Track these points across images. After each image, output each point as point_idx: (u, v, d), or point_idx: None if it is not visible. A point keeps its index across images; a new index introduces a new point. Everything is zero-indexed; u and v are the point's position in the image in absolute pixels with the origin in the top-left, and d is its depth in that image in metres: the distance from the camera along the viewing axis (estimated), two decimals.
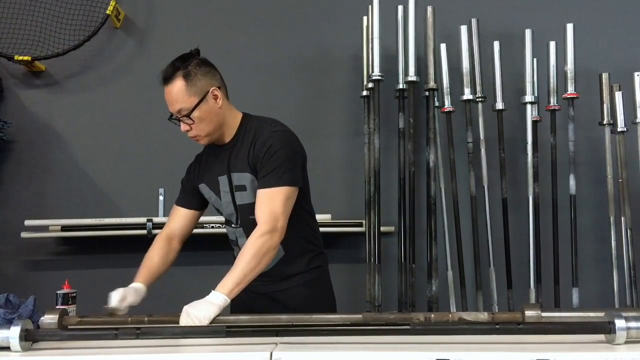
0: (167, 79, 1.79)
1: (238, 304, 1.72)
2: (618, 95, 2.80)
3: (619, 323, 1.36)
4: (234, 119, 1.89)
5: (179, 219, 1.99)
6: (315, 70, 3.12)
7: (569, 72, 2.83)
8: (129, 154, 3.09)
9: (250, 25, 3.15)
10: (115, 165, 3.09)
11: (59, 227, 2.92)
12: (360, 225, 2.90)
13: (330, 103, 3.10)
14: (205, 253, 2.83)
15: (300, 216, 1.86)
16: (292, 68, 3.12)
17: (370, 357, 1.34)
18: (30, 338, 1.42)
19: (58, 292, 1.98)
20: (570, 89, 2.83)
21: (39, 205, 3.06)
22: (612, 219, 2.81)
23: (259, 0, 3.17)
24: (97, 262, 3.00)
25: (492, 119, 2.90)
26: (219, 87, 1.84)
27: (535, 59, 2.88)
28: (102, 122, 3.12)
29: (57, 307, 1.93)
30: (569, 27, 2.83)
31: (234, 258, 1.99)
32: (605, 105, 2.84)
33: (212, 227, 2.78)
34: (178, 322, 1.58)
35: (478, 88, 2.90)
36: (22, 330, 1.40)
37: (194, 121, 1.80)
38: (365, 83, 2.91)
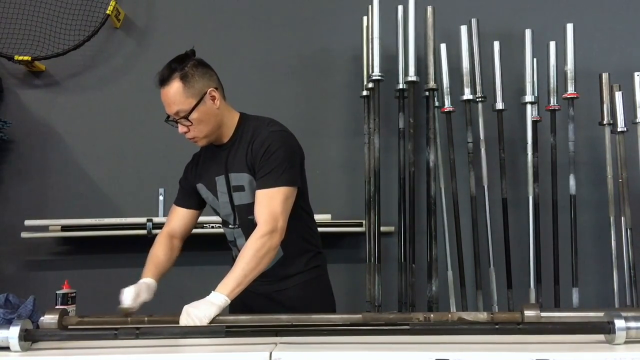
0: (164, 80, 1.77)
1: (237, 304, 1.72)
2: (618, 95, 2.80)
3: (619, 323, 1.36)
4: (232, 119, 1.88)
5: (179, 218, 2.00)
6: (315, 70, 3.12)
7: (569, 72, 2.83)
8: (129, 154, 3.09)
9: (250, 25, 3.15)
10: (115, 165, 3.09)
11: (59, 227, 2.92)
12: (360, 225, 2.90)
13: (330, 103, 3.10)
14: (205, 253, 2.83)
15: (298, 216, 1.85)
16: (292, 68, 3.12)
17: (370, 357, 1.34)
18: (29, 338, 1.42)
19: (58, 292, 1.98)
20: (570, 89, 2.83)
21: (39, 205, 3.06)
22: (612, 219, 2.81)
23: (259, 0, 3.17)
24: (97, 262, 3.00)
25: (492, 119, 2.90)
26: (216, 88, 1.83)
27: (535, 59, 2.88)
28: (102, 122, 3.12)
29: (57, 307, 1.93)
30: (569, 27, 2.83)
31: (233, 258, 1.99)
32: (605, 105, 2.84)
33: (212, 227, 2.78)
34: (178, 322, 1.58)
35: (478, 88, 2.90)
36: (21, 330, 1.40)
37: (192, 123, 1.79)
38: (365, 83, 2.91)
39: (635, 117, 2.78)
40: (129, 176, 3.09)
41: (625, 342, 1.36)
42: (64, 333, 1.52)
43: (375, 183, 2.81)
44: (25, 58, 2.99)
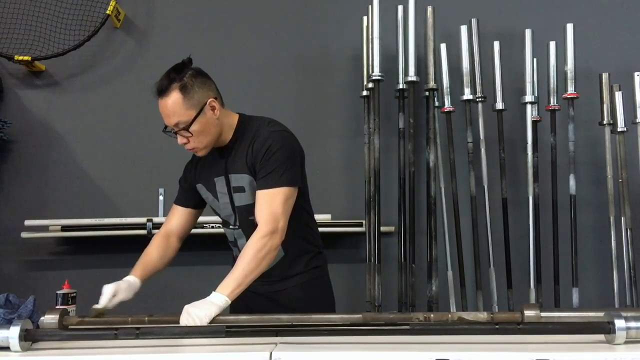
0: (163, 91, 1.74)
1: (237, 304, 1.72)
2: (618, 95, 2.80)
3: (619, 323, 1.36)
4: (231, 122, 1.86)
5: (178, 217, 1.99)
6: (315, 70, 3.12)
7: (569, 72, 2.83)
8: (129, 154, 3.09)
9: (250, 25, 3.15)
10: (115, 165, 3.09)
11: (59, 227, 2.92)
12: (360, 225, 2.90)
13: (330, 103, 3.10)
14: (205, 253, 2.83)
15: (299, 216, 1.85)
16: (292, 68, 3.12)
17: (370, 357, 1.34)
18: (29, 338, 1.42)
19: (58, 292, 1.98)
20: (570, 89, 2.83)
21: (39, 205, 3.06)
22: (612, 219, 2.81)
23: (259, 0, 3.17)
24: (97, 262, 3.00)
25: (492, 119, 2.90)
26: (215, 98, 1.80)
27: (535, 59, 2.88)
28: (102, 122, 3.12)
29: (57, 307, 1.93)
30: (569, 27, 2.83)
31: (234, 258, 1.99)
32: (605, 105, 2.84)
33: (212, 227, 2.78)
34: (178, 322, 1.58)
35: (478, 88, 2.90)
36: (21, 330, 1.40)
37: (192, 134, 1.77)
38: (365, 83, 2.91)
39: (635, 117, 2.78)
40: (129, 176, 3.08)
41: (625, 342, 1.36)
42: (64, 333, 1.52)
43: (375, 183, 2.81)
44: (25, 58, 2.99)
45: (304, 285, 1.91)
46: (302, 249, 1.92)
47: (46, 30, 3.06)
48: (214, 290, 1.65)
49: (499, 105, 2.88)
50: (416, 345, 1.39)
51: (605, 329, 1.38)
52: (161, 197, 3.02)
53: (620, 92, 2.80)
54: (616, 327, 1.36)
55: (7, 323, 1.47)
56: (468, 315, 1.56)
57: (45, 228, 2.93)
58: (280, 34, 3.14)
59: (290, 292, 1.90)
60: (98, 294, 1.77)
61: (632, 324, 1.36)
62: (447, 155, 2.89)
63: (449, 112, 2.88)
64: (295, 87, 3.11)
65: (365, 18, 2.91)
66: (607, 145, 2.83)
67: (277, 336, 1.45)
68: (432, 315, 1.58)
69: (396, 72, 2.88)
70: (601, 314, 1.46)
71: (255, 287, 1.78)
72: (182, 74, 1.75)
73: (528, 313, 1.53)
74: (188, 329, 1.53)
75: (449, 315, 1.58)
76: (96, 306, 1.72)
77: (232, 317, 1.62)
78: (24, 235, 2.93)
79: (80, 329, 1.58)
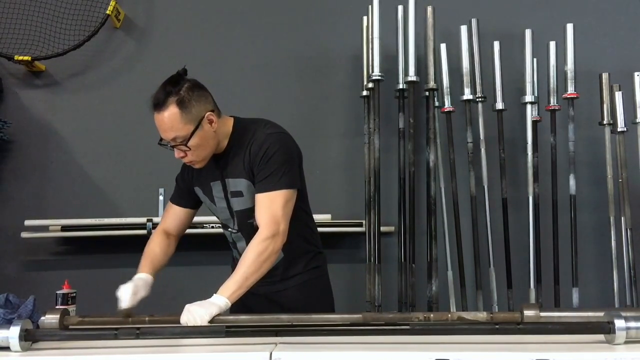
0: (159, 105, 1.70)
1: (237, 305, 1.71)
2: (618, 95, 2.80)
3: (619, 323, 1.36)
4: (227, 129, 1.84)
5: (174, 217, 1.99)
6: (315, 70, 3.12)
7: (569, 72, 2.83)
8: (129, 154, 3.09)
9: (250, 25, 3.15)
10: (115, 165, 3.09)
11: (59, 227, 2.92)
12: (360, 225, 2.90)
13: (330, 103, 3.10)
14: (205, 253, 2.83)
15: (298, 217, 1.84)
16: (292, 68, 3.12)
17: (370, 357, 1.34)
18: (29, 338, 1.42)
19: (58, 292, 1.98)
20: (570, 89, 2.83)
21: (39, 205, 3.06)
22: (612, 219, 2.81)
23: (259, 0, 3.17)
24: (97, 262, 3.00)
25: (492, 119, 2.90)
26: (212, 111, 1.77)
27: (535, 59, 2.88)
28: (102, 122, 3.12)
29: (57, 307, 1.93)
30: (569, 27, 2.83)
31: (233, 259, 1.99)
32: (605, 105, 2.84)
33: (212, 227, 2.78)
34: (178, 323, 1.58)
35: (478, 88, 2.90)
36: (21, 330, 1.40)
37: (189, 148, 1.75)
38: (365, 83, 2.91)
39: (635, 117, 2.78)
40: (128, 176, 3.08)
41: (625, 342, 1.36)
42: (64, 333, 1.53)
43: (375, 183, 2.81)
44: (25, 58, 2.99)
45: (303, 286, 1.91)
46: (302, 249, 1.92)
47: (46, 30, 3.06)
48: (215, 293, 1.65)
49: (499, 105, 2.88)
50: (416, 345, 1.39)
51: (605, 329, 1.38)
52: (161, 197, 3.02)
53: (620, 92, 2.80)
54: (616, 327, 1.36)
55: (7, 323, 1.47)
56: (468, 315, 1.56)
57: (45, 228, 2.93)
58: (280, 33, 3.14)
59: (290, 293, 1.90)
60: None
61: (632, 324, 1.36)
62: (447, 155, 2.89)
63: (449, 112, 2.88)
64: (295, 87, 3.11)
65: (365, 18, 2.91)
66: (607, 145, 2.83)
67: (277, 336, 1.45)
68: (431, 315, 1.58)
69: (396, 72, 2.88)
70: (601, 314, 1.46)
71: (255, 288, 1.78)
72: (178, 86, 1.72)
73: (527, 313, 1.53)
74: (188, 329, 1.53)
75: (449, 315, 1.58)
76: (121, 307, 1.70)
77: (232, 317, 1.62)
78: (24, 235, 2.93)
79: (80, 329, 1.58)
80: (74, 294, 1.99)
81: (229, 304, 1.64)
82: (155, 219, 2.87)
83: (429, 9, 2.85)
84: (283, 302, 1.89)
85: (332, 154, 3.07)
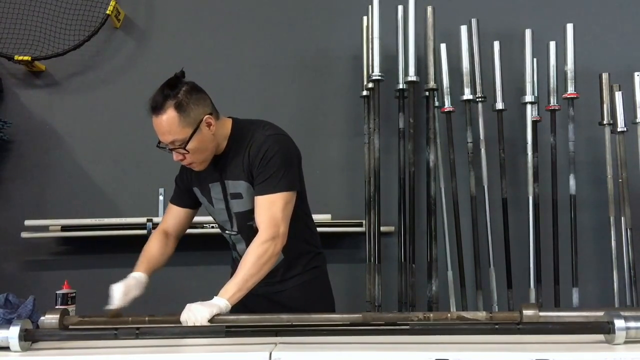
0: (157, 108, 1.70)
1: (236, 305, 1.72)
2: (618, 95, 2.80)
3: (618, 323, 1.36)
4: (225, 132, 1.83)
5: (174, 217, 1.99)
6: (315, 70, 3.12)
7: (569, 72, 2.83)
8: (128, 154, 3.09)
9: (250, 26, 3.15)
10: (115, 165, 3.09)
11: (59, 227, 2.92)
12: (360, 225, 2.90)
13: (330, 103, 3.10)
14: (205, 253, 2.83)
15: (297, 218, 1.84)
16: (292, 68, 3.12)
17: (370, 357, 1.34)
18: (29, 338, 1.42)
19: (58, 292, 1.98)
20: (570, 89, 2.83)
21: (39, 205, 3.06)
22: (612, 219, 2.81)
23: (259, 0, 3.17)
24: (97, 262, 3.00)
25: (492, 119, 2.90)
26: (210, 114, 1.76)
27: (535, 59, 2.88)
28: (102, 122, 3.12)
29: (57, 307, 1.93)
30: (569, 27, 2.83)
31: (233, 260, 1.99)
32: (605, 105, 2.84)
33: (212, 227, 2.77)
34: (178, 322, 1.58)
35: (478, 88, 2.90)
36: (21, 330, 1.40)
37: (188, 152, 1.74)
38: (365, 83, 2.91)
39: (635, 117, 2.78)
40: (128, 176, 3.08)
41: (625, 342, 1.36)
42: (64, 333, 1.53)
43: (375, 183, 2.81)
44: (25, 58, 2.99)
45: (303, 286, 1.91)
46: (301, 250, 1.92)
47: (46, 30, 3.06)
48: (216, 295, 1.65)
49: (499, 105, 2.88)
50: (416, 345, 1.39)
51: (605, 329, 1.38)
52: (161, 197, 3.02)
53: (620, 92, 2.80)
54: (616, 327, 1.36)
55: (7, 323, 1.47)
56: (467, 314, 1.57)
57: (45, 228, 2.93)
58: (281, 33, 3.14)
59: (290, 293, 1.90)
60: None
61: (632, 324, 1.36)
62: (447, 155, 2.89)
63: (449, 112, 2.88)
64: (295, 87, 3.11)
65: (365, 18, 2.91)
66: (607, 145, 2.83)
67: (277, 336, 1.45)
68: (431, 315, 1.58)
69: (396, 72, 2.88)
70: (601, 314, 1.46)
71: (255, 288, 1.77)
72: (176, 90, 1.71)
73: (527, 312, 1.53)
74: (188, 329, 1.53)
75: (449, 315, 1.58)
76: (110, 307, 1.70)
77: (232, 317, 1.62)
78: (24, 235, 2.93)
79: (80, 329, 1.58)
80: (74, 294, 1.99)
81: (230, 306, 1.64)
82: (155, 219, 2.87)
83: (429, 9, 2.85)
84: (283, 302, 1.89)
85: (332, 154, 3.07)
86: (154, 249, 1.91)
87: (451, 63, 2.91)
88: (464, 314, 1.57)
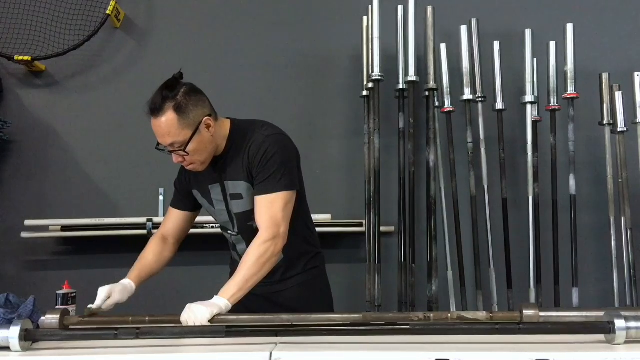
0: (156, 110, 1.70)
1: (236, 305, 1.72)
2: (618, 95, 2.80)
3: (619, 323, 1.36)
4: (224, 132, 1.83)
5: (174, 220, 1.99)
6: (315, 70, 3.12)
7: (569, 72, 2.83)
8: (129, 154, 3.09)
9: (250, 25, 3.15)
10: (115, 165, 3.09)
11: (59, 227, 2.92)
12: (360, 225, 2.90)
13: (330, 103, 3.10)
14: (205, 253, 2.83)
15: (297, 217, 1.84)
16: (292, 68, 3.12)
17: (370, 357, 1.34)
18: (29, 338, 1.42)
19: (58, 292, 1.98)
20: (570, 89, 2.83)
21: (39, 205, 3.06)
22: (612, 219, 2.81)
23: (259, 0, 3.17)
24: (97, 262, 3.00)
25: (492, 119, 2.90)
26: (209, 115, 1.76)
27: (535, 59, 2.88)
28: (102, 122, 3.11)
29: (57, 307, 1.93)
30: (569, 27, 2.83)
31: (232, 260, 1.99)
32: (605, 105, 2.84)
33: (212, 227, 2.78)
34: (178, 322, 1.58)
35: (478, 88, 2.90)
36: (21, 330, 1.40)
37: (188, 154, 1.74)
38: (365, 83, 2.91)
39: (635, 117, 2.78)
40: (128, 176, 3.08)
41: (625, 342, 1.36)
42: (64, 333, 1.53)
43: (375, 183, 2.81)
44: (25, 58, 2.98)
45: (302, 286, 1.92)
46: (301, 250, 1.92)
47: (46, 30, 3.05)
48: (216, 295, 1.65)
49: (499, 105, 2.88)
50: (416, 345, 1.39)
51: (605, 328, 1.38)
52: (161, 197, 3.02)
53: (620, 92, 2.80)
54: (616, 327, 1.36)
55: (7, 323, 1.47)
56: (468, 314, 1.57)
57: (45, 228, 2.93)
58: (280, 33, 3.14)
59: (289, 293, 1.91)
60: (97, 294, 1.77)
61: (632, 323, 1.36)
62: (447, 155, 2.89)
63: (449, 112, 2.88)
64: (295, 87, 3.11)
65: (365, 18, 2.91)
66: (607, 145, 2.83)
67: (277, 336, 1.45)
68: (431, 315, 1.58)
69: (396, 72, 2.88)
70: (601, 314, 1.46)
71: (254, 289, 1.78)
72: (175, 91, 1.71)
73: (527, 312, 1.53)
74: (188, 329, 1.53)
75: (449, 314, 1.58)
76: (91, 306, 1.73)
77: (232, 317, 1.62)
78: (24, 235, 2.92)
79: (81, 329, 1.58)
80: (74, 294, 1.99)
81: (230, 306, 1.64)
82: (155, 219, 2.87)
83: (429, 9, 2.85)
84: (282, 302, 1.89)
85: (332, 154, 3.07)
86: (149, 256, 1.92)
87: (451, 63, 2.91)
88: (464, 314, 1.57)
